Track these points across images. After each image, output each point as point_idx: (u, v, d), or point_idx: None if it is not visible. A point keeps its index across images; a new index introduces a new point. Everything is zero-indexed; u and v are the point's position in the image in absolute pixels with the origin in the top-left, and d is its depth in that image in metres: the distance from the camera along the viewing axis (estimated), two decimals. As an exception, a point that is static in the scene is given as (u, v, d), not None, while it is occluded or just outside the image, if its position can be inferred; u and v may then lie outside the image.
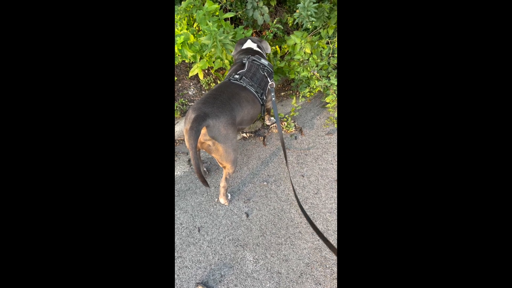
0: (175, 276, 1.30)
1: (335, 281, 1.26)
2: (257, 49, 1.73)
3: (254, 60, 1.60)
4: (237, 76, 1.51)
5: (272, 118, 1.97)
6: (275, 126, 1.97)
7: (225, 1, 2.09)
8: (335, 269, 1.30)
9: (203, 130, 1.24)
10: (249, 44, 1.75)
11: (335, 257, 1.33)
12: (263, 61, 1.62)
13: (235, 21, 2.31)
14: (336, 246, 1.38)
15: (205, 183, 1.27)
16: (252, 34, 2.18)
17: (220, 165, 1.42)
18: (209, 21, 1.75)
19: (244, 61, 1.59)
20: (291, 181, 1.35)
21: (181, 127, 1.92)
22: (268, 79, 1.61)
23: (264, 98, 1.61)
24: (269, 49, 1.81)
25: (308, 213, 1.51)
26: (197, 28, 1.99)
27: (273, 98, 1.57)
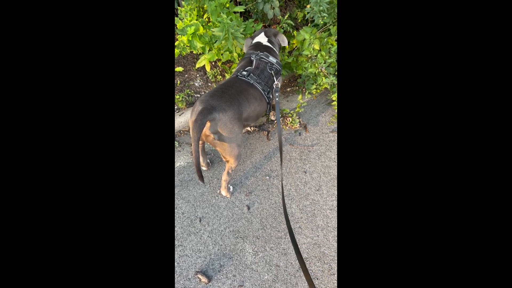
0: (175, 264, 1.32)
1: (333, 277, 1.28)
2: (267, 43, 1.69)
3: (262, 58, 1.57)
4: (244, 73, 1.50)
5: (278, 114, 1.96)
6: (280, 122, 1.97)
7: (235, -7, 2.07)
8: (333, 265, 1.32)
9: (208, 124, 1.25)
10: (260, 38, 1.72)
11: (333, 253, 1.35)
12: (271, 59, 1.58)
13: (244, 14, 2.30)
14: (336, 243, 1.39)
15: (201, 178, 1.25)
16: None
17: (224, 159, 1.43)
18: (222, 13, 1.73)
19: (252, 58, 1.57)
20: (282, 186, 1.35)
21: (186, 118, 1.93)
22: (275, 78, 1.58)
23: (271, 96, 1.59)
24: (285, 42, 1.78)
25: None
26: (206, 19, 1.98)
27: (277, 99, 1.55)
